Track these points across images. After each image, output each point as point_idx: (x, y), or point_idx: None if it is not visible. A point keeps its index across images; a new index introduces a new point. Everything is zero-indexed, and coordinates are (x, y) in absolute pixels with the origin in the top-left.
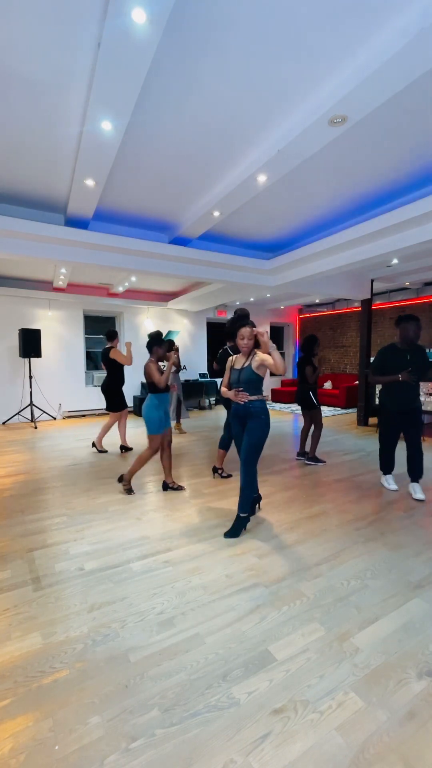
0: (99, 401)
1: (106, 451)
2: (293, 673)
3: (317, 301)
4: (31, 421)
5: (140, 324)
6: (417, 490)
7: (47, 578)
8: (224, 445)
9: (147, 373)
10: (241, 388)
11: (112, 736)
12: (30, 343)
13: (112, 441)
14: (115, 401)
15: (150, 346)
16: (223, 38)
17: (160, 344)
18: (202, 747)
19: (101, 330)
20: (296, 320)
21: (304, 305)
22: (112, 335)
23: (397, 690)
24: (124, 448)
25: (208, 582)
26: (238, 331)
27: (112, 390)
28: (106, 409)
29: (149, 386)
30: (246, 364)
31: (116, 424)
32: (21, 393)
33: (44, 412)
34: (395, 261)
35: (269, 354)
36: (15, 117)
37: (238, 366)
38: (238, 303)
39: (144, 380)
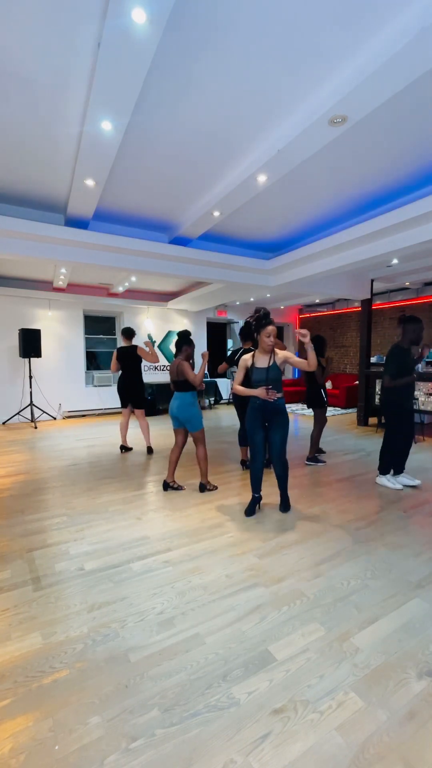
0: (99, 401)
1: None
2: (293, 673)
3: (317, 301)
4: (31, 421)
5: (140, 324)
6: (410, 477)
7: (47, 578)
8: (244, 441)
9: (181, 371)
10: (270, 386)
11: (112, 736)
12: (30, 343)
13: (133, 440)
14: (144, 398)
15: (180, 345)
16: (223, 38)
17: (189, 343)
18: (202, 747)
19: (101, 330)
20: (296, 320)
21: (304, 305)
22: (131, 333)
23: (397, 690)
24: (125, 448)
25: (208, 582)
26: (264, 329)
27: (141, 387)
28: (135, 406)
29: (179, 384)
30: (271, 363)
31: (120, 424)
32: (21, 393)
33: (44, 412)
34: (395, 261)
35: (306, 353)
36: (15, 117)
37: (261, 365)
38: (237, 303)
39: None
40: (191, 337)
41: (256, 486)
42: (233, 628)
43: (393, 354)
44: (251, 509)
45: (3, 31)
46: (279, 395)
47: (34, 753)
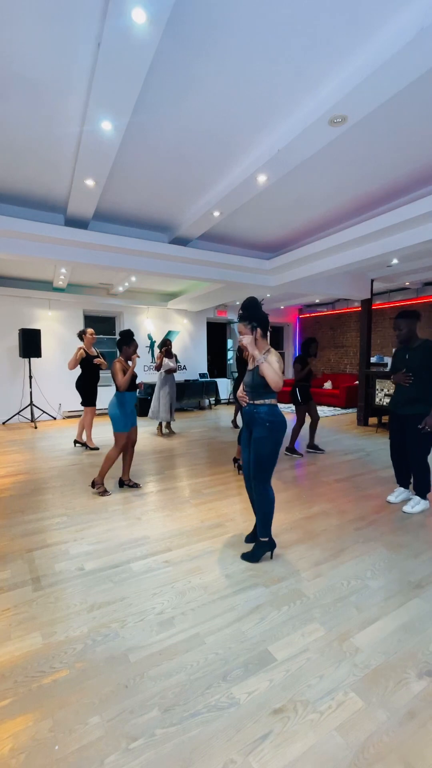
0: (99, 401)
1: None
2: (293, 673)
3: (317, 301)
4: (31, 421)
5: (140, 324)
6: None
7: (47, 578)
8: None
9: (111, 372)
10: (246, 390)
11: (112, 736)
12: (30, 343)
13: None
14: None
15: (119, 344)
16: (223, 38)
17: (128, 343)
18: (202, 747)
19: (101, 330)
20: (296, 320)
21: (304, 305)
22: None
23: (397, 690)
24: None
25: (208, 582)
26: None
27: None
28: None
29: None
30: (255, 366)
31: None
32: (21, 393)
33: (44, 412)
34: (395, 261)
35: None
36: (15, 117)
37: (250, 366)
38: (237, 303)
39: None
40: (134, 337)
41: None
42: (233, 628)
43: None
44: (253, 535)
45: (3, 31)
46: (258, 401)
47: (34, 753)
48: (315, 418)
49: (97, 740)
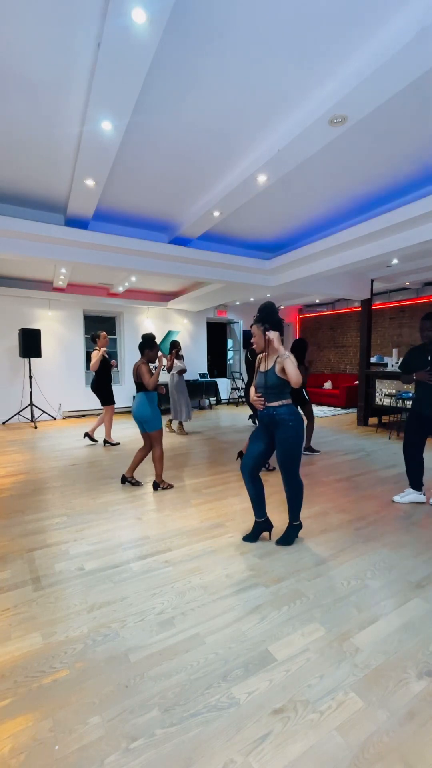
0: (99, 401)
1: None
2: (293, 673)
3: (317, 301)
4: (31, 421)
5: (140, 324)
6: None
7: (47, 578)
8: None
9: (138, 373)
10: (259, 393)
11: (112, 736)
12: (30, 343)
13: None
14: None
15: (142, 348)
16: (223, 38)
17: (151, 347)
18: (202, 747)
19: (101, 330)
20: (296, 320)
21: (304, 305)
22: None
23: (397, 690)
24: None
25: (208, 582)
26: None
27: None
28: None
29: (139, 386)
30: (270, 367)
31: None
32: (21, 393)
33: (44, 412)
34: (395, 261)
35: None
36: (15, 117)
37: (263, 368)
38: (237, 303)
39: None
40: (165, 338)
41: (254, 508)
42: (233, 628)
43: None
44: (253, 535)
45: (3, 30)
46: (274, 404)
47: (34, 753)
48: (312, 419)
49: (97, 740)
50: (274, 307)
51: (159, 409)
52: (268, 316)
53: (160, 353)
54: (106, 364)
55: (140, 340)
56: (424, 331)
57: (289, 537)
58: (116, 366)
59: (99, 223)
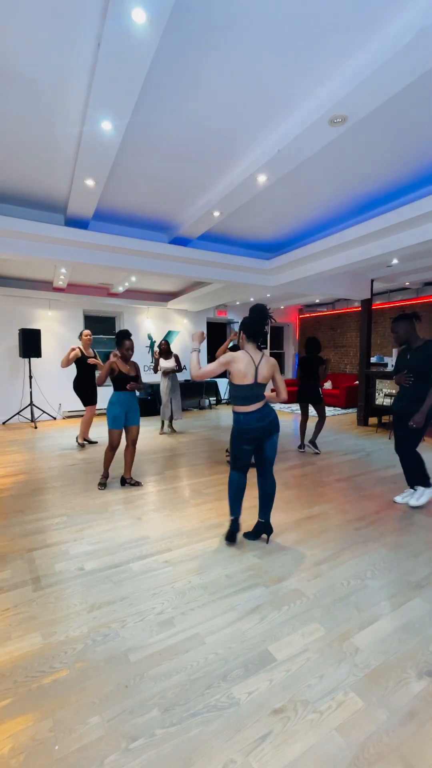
0: (99, 401)
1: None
2: (293, 673)
3: (317, 301)
4: (31, 421)
5: (140, 324)
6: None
7: (47, 578)
8: None
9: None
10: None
11: (112, 736)
12: (30, 343)
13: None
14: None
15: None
16: (223, 38)
17: (120, 344)
18: (202, 747)
19: (101, 330)
20: (296, 320)
21: (304, 305)
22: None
23: (397, 690)
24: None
25: (208, 582)
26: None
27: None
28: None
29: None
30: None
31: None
32: (21, 393)
33: (44, 412)
34: (395, 261)
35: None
36: (15, 117)
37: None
38: (237, 303)
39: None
40: (129, 337)
41: (236, 505)
42: (233, 628)
43: None
44: (254, 533)
45: (3, 30)
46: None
47: (34, 753)
48: (324, 417)
49: (97, 740)
50: (255, 309)
51: (131, 411)
52: (245, 318)
53: (113, 351)
54: (85, 363)
55: (140, 340)
56: (393, 334)
57: (257, 533)
58: (101, 365)
59: (99, 223)
